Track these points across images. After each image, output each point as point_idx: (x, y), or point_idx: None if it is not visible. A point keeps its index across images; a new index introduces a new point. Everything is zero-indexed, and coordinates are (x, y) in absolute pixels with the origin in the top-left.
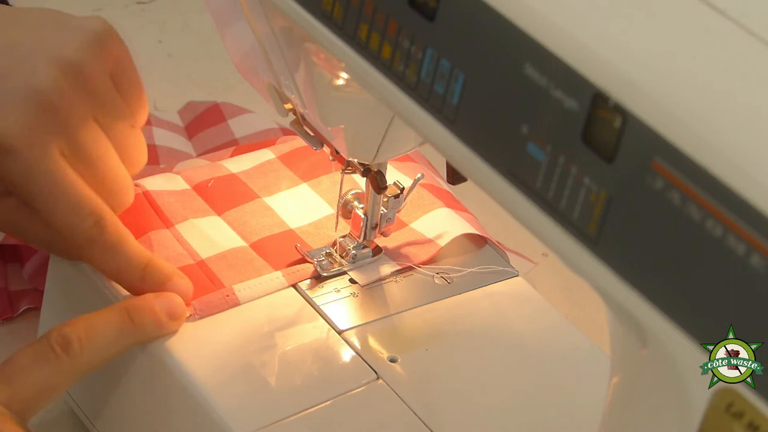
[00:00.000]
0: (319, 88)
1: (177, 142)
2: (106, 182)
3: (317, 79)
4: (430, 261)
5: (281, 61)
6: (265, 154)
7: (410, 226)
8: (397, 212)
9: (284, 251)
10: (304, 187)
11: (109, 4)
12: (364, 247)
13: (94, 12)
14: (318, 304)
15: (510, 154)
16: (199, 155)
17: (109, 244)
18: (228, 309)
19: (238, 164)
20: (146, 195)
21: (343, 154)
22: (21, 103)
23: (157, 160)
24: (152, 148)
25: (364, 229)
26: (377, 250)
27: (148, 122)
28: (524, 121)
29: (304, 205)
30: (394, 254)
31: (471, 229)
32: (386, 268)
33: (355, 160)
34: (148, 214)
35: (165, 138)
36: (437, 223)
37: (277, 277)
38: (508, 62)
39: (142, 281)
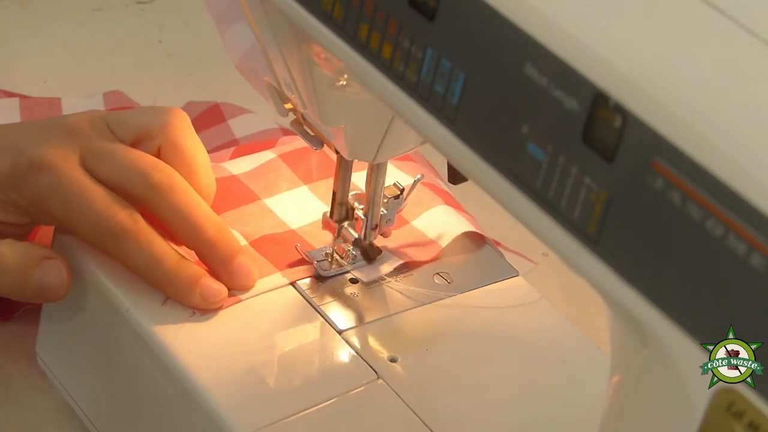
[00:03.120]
0: (319, 88)
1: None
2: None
3: (317, 79)
4: (432, 261)
5: (281, 61)
6: (266, 155)
7: (411, 223)
8: (398, 212)
9: (285, 250)
10: (304, 189)
11: (109, 4)
12: (363, 248)
13: (94, 12)
14: (318, 304)
15: (510, 154)
16: None
17: (144, 235)
18: (229, 306)
19: (238, 166)
20: None
21: (344, 154)
22: (52, 132)
23: None
24: None
25: (363, 229)
26: (376, 252)
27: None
28: (524, 121)
29: (305, 206)
30: (396, 254)
31: (471, 227)
32: (387, 267)
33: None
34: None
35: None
36: (438, 221)
37: (276, 277)
38: (508, 62)
39: (175, 275)
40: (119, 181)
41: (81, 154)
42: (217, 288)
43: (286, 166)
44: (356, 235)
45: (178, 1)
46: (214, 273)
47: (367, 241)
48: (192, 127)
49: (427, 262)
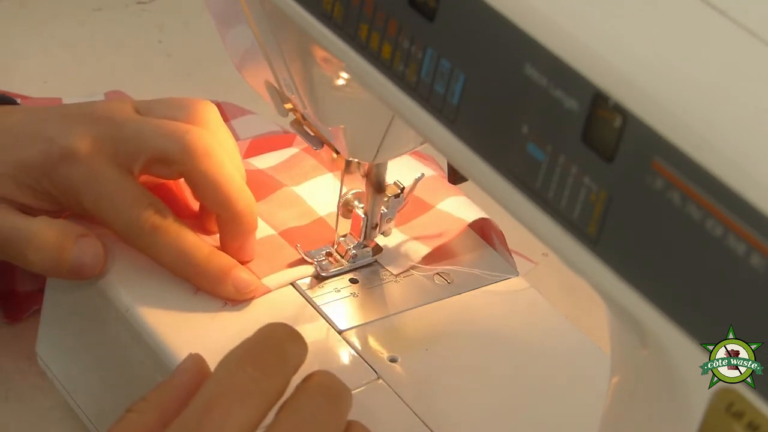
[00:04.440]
0: (319, 88)
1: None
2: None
3: (317, 79)
4: (447, 253)
5: (281, 61)
6: (290, 151)
7: (437, 207)
8: (398, 211)
9: (313, 238)
10: (330, 177)
11: (109, 4)
12: (364, 246)
13: (94, 12)
14: (318, 304)
15: (510, 154)
16: None
17: (174, 230)
18: (260, 296)
19: (264, 161)
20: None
21: (344, 154)
22: (81, 120)
23: None
24: None
25: (364, 228)
26: (377, 250)
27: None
28: (524, 121)
29: (334, 192)
30: (426, 241)
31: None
32: (414, 254)
33: (355, 160)
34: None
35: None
36: (461, 206)
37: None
38: (508, 62)
39: (207, 267)
40: (154, 151)
41: (113, 142)
42: (248, 278)
43: (312, 158)
44: (357, 240)
45: (178, 1)
46: (238, 245)
47: (367, 240)
48: (221, 120)
49: (455, 237)
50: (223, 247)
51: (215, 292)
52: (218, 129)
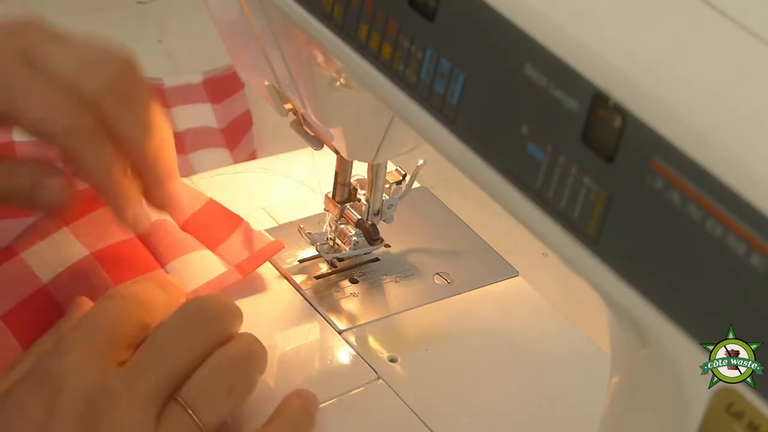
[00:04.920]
0: (319, 88)
1: (200, 115)
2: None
3: (317, 79)
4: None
5: (281, 61)
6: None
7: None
8: (400, 198)
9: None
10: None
11: (109, 4)
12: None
13: (94, 12)
14: (318, 304)
15: (510, 154)
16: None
17: (96, 136)
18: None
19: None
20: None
21: (344, 154)
22: None
23: (184, 148)
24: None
25: (366, 214)
26: (378, 237)
27: (166, 104)
28: (524, 121)
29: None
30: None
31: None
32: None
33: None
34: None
35: (186, 116)
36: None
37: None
38: (508, 62)
39: (116, 187)
40: (71, 77)
41: (24, 52)
42: (146, 218)
43: None
44: (359, 216)
45: (178, 1)
46: (148, 189)
47: (369, 222)
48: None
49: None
50: (147, 198)
51: (116, 214)
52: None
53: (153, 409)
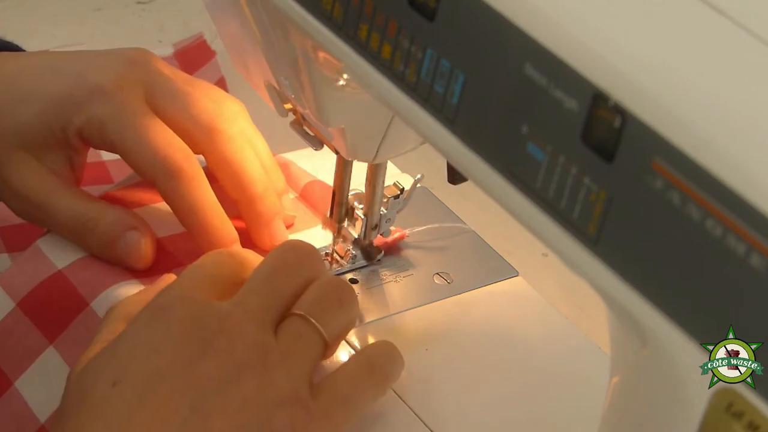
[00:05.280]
0: (319, 88)
1: None
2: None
3: (317, 79)
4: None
5: (281, 61)
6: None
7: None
8: (397, 213)
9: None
10: None
11: (109, 4)
12: (364, 247)
13: (94, 12)
14: None
15: (510, 154)
16: None
17: (196, 181)
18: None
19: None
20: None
21: (343, 154)
22: (114, 59)
23: None
24: None
25: (363, 229)
26: (377, 251)
27: None
28: (524, 121)
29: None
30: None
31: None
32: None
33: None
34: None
35: None
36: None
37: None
38: (508, 62)
39: (213, 231)
40: (182, 122)
41: (145, 87)
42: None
43: None
44: (356, 235)
45: (178, 1)
46: (253, 228)
47: (367, 241)
48: (249, 121)
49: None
50: (251, 236)
51: None
52: (246, 123)
53: (267, 324)
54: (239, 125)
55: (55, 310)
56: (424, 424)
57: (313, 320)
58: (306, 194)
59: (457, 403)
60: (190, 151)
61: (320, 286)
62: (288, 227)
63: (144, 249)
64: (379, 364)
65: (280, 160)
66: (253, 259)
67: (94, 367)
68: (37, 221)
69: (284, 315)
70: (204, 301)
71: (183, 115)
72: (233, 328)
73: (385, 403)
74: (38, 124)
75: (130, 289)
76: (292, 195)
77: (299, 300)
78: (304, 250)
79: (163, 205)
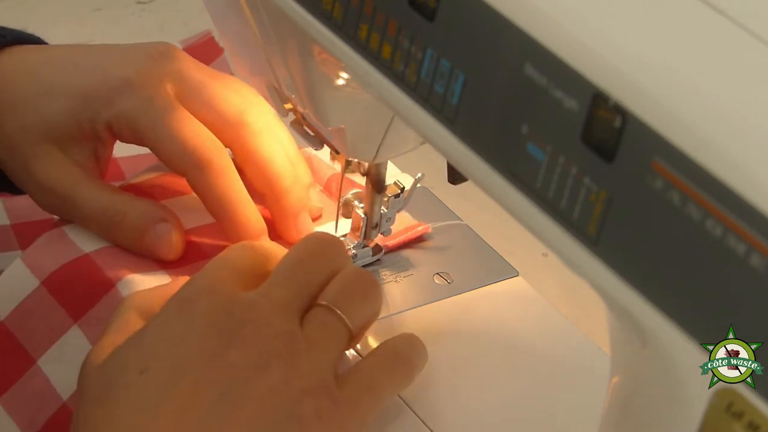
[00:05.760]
0: (319, 88)
1: None
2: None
3: (317, 79)
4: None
5: (281, 61)
6: None
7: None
8: (397, 212)
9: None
10: None
11: (109, 4)
12: (364, 246)
13: (94, 12)
14: None
15: (510, 154)
16: None
17: (226, 173)
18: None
19: None
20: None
21: (344, 154)
22: (138, 53)
23: None
24: None
25: (364, 228)
26: (377, 249)
27: None
28: (524, 121)
29: None
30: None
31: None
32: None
33: (355, 160)
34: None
35: None
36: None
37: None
38: (508, 62)
39: (243, 222)
40: (209, 115)
41: (171, 81)
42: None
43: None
44: (363, 215)
45: (178, 1)
46: (279, 221)
47: (371, 242)
48: (275, 115)
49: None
50: (277, 228)
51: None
52: (271, 117)
53: (293, 314)
54: (265, 119)
55: (80, 290)
56: (424, 424)
57: (338, 311)
58: (330, 187)
59: (456, 403)
60: (219, 143)
61: (345, 277)
62: (314, 219)
63: (174, 240)
64: (404, 354)
65: (304, 154)
66: (278, 251)
67: (120, 356)
68: (63, 214)
69: (309, 306)
70: (229, 292)
71: (210, 108)
72: (259, 318)
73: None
74: (65, 117)
75: (158, 279)
76: (318, 188)
77: (324, 291)
78: (329, 241)
79: (188, 197)
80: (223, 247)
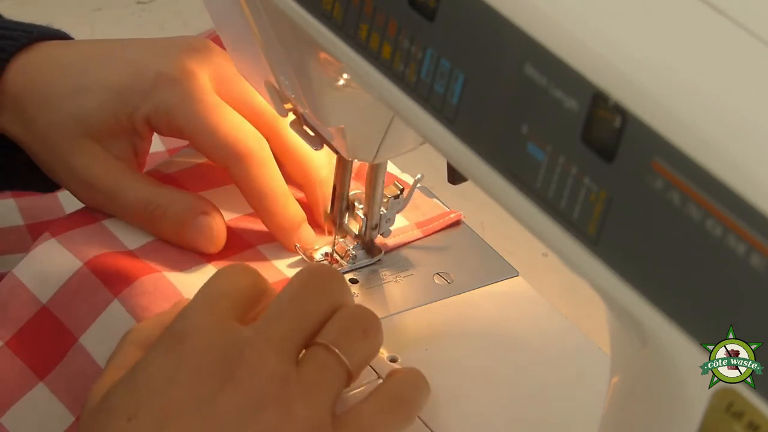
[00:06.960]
0: (319, 88)
1: None
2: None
3: (317, 79)
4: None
5: (281, 61)
6: None
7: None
8: (397, 213)
9: None
10: None
11: (109, 4)
12: (364, 247)
13: (94, 12)
14: None
15: (510, 154)
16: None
17: (266, 164)
18: None
19: None
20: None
21: (344, 154)
22: (173, 47)
23: None
24: None
25: (363, 229)
26: (376, 251)
27: None
28: (524, 121)
29: None
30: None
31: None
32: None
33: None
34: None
35: None
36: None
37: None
38: (508, 62)
39: (281, 211)
40: (246, 108)
41: (208, 74)
42: (313, 238)
43: None
44: (356, 233)
45: (178, 1)
46: (318, 212)
47: (367, 238)
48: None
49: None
50: (315, 219)
51: (281, 239)
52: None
53: (290, 354)
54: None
55: (122, 271)
56: (424, 423)
57: (337, 350)
58: (361, 176)
59: (456, 403)
60: (259, 134)
61: (345, 315)
62: None
63: (216, 232)
64: (407, 396)
65: None
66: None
67: (110, 401)
68: (104, 208)
69: (307, 343)
70: (222, 327)
71: (247, 101)
72: (254, 358)
73: None
74: (103, 111)
75: (201, 273)
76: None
77: (323, 329)
78: (328, 275)
79: (228, 188)
80: (265, 239)
